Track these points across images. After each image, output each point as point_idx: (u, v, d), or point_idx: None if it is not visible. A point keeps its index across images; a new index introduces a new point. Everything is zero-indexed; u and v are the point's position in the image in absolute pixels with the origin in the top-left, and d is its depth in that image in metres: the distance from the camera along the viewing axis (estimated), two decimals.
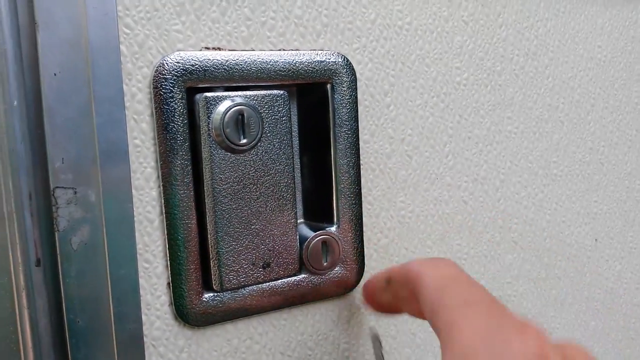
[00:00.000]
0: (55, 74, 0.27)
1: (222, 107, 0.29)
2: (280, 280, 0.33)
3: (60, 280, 0.28)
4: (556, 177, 0.44)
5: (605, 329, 0.49)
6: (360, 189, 0.35)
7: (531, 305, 0.44)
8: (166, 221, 0.30)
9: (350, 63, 0.33)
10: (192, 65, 0.29)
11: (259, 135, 0.31)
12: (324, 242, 0.34)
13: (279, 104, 0.31)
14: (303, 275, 0.33)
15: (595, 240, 0.47)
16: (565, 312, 0.46)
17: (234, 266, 0.31)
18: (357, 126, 0.34)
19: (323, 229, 0.34)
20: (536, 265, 0.44)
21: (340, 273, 0.35)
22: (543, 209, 0.43)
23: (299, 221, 0.35)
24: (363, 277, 0.36)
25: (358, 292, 0.36)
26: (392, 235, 0.37)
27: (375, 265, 0.36)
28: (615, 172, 0.47)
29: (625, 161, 0.48)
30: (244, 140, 0.30)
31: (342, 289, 0.35)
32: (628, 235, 0.49)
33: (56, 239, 0.27)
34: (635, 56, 0.47)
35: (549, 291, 0.45)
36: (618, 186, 0.48)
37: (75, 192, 0.28)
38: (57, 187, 0.27)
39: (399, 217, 0.37)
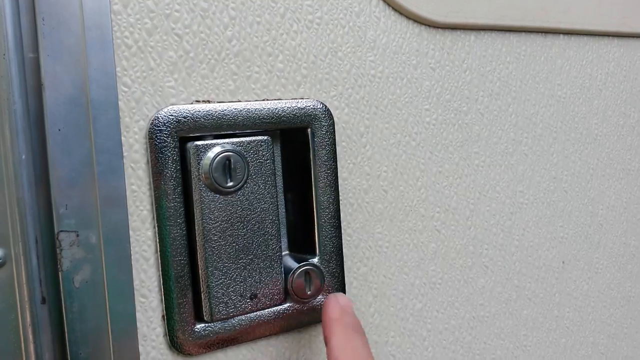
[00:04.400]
0: (59, 129, 0.29)
1: (210, 153, 0.32)
2: (267, 310, 0.35)
3: (64, 316, 0.30)
4: (522, 205, 0.47)
5: (576, 346, 0.52)
6: (340, 223, 0.38)
7: (503, 325, 0.47)
8: (160, 259, 0.32)
9: (328, 109, 0.36)
10: (184, 117, 0.32)
11: (244, 178, 0.34)
12: (307, 273, 0.36)
13: (263, 149, 0.34)
14: (288, 304, 0.36)
15: (563, 262, 0.50)
16: (536, 331, 0.49)
17: (223, 298, 0.34)
18: (336, 165, 0.37)
19: (306, 260, 0.37)
20: (507, 287, 0.47)
21: (322, 301, 0.37)
22: (512, 235, 0.47)
23: (284, 253, 0.38)
24: None
25: None
26: (370, 264, 0.40)
27: (355, 292, 0.39)
28: (579, 199, 0.51)
29: (588, 188, 0.51)
30: (231, 183, 0.33)
31: None
32: (594, 257, 0.53)
33: (60, 278, 0.30)
34: (593, 92, 0.50)
35: (520, 311, 0.48)
36: (582, 212, 0.51)
37: (78, 235, 0.30)
38: (61, 231, 0.30)
39: (377, 247, 0.40)
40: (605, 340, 0.54)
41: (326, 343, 0.32)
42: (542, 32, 0.46)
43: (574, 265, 0.51)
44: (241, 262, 0.34)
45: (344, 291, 0.38)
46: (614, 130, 0.53)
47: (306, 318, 0.37)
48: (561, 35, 0.48)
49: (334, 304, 0.34)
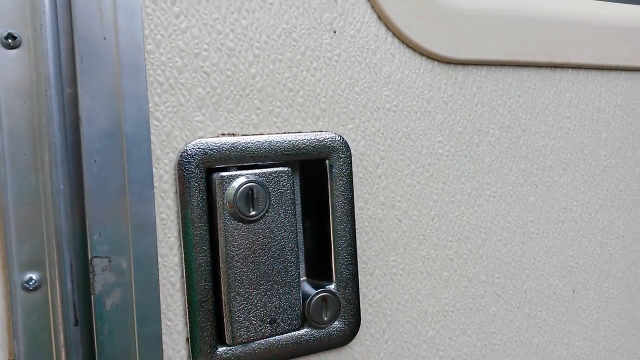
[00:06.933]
0: (95, 161, 0.31)
1: (235, 183, 0.34)
2: (285, 335, 0.37)
3: (95, 338, 0.32)
4: (533, 235, 0.48)
5: None
6: (355, 250, 0.39)
7: (514, 354, 0.48)
8: (186, 284, 0.34)
9: (345, 141, 0.38)
10: (211, 150, 0.34)
11: (266, 207, 0.35)
12: (324, 299, 0.38)
13: (284, 179, 0.36)
14: (306, 329, 0.38)
15: (573, 291, 0.51)
16: (547, 359, 0.50)
17: (244, 323, 0.35)
18: (352, 195, 0.39)
19: (323, 286, 0.38)
20: (518, 315, 0.48)
21: (339, 326, 0.39)
22: (522, 264, 0.48)
23: (301, 279, 0.40)
24: (360, 329, 0.40)
25: (355, 344, 0.40)
26: (385, 291, 0.41)
27: (370, 319, 0.41)
28: (589, 229, 0.52)
29: (598, 218, 0.53)
30: (253, 212, 0.35)
31: (341, 340, 0.39)
32: (604, 286, 0.53)
33: (92, 301, 0.32)
34: (602, 124, 0.52)
35: (530, 339, 0.49)
36: (592, 242, 0.52)
37: (110, 261, 0.32)
38: (94, 256, 0.32)
39: (391, 274, 0.41)
40: None
41: None
42: (551, 66, 0.48)
43: (584, 294, 0.52)
44: (262, 288, 0.36)
45: (359, 317, 0.40)
46: (623, 162, 0.54)
47: (323, 343, 0.38)
48: (570, 70, 0.49)
49: None
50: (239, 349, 0.35)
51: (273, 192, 0.36)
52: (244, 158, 0.35)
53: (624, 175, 0.54)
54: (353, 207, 0.39)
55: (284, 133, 0.37)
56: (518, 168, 0.47)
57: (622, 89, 0.53)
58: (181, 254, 0.34)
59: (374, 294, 0.41)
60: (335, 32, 0.38)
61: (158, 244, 0.33)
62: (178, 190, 0.33)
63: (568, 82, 0.49)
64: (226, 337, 0.35)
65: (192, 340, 0.34)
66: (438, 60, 0.42)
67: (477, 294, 0.45)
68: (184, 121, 0.34)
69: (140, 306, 0.33)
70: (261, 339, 0.36)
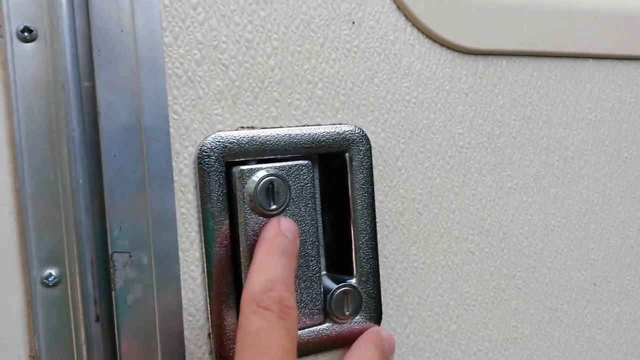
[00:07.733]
0: (114, 155, 0.31)
1: (255, 177, 0.34)
2: (307, 330, 0.36)
3: (116, 334, 0.32)
4: (554, 228, 0.47)
5: None
6: (376, 244, 0.39)
7: (536, 347, 0.47)
8: (207, 279, 0.33)
9: (365, 134, 0.38)
10: (230, 143, 0.33)
11: (286, 201, 0.35)
12: (345, 293, 0.37)
13: (304, 173, 0.35)
14: (327, 325, 0.37)
15: (594, 284, 0.51)
16: (568, 352, 0.49)
17: None
18: (373, 188, 0.38)
19: (344, 280, 0.38)
20: (540, 309, 0.47)
21: (360, 321, 0.38)
22: (544, 257, 0.47)
23: (322, 273, 0.39)
24: (381, 324, 0.39)
25: None
26: (406, 285, 0.41)
27: (391, 313, 0.40)
28: (610, 221, 0.51)
29: (619, 211, 0.52)
30: (274, 206, 0.34)
31: None
32: (625, 279, 0.53)
33: (113, 297, 0.31)
34: (623, 115, 0.51)
35: (552, 333, 0.48)
36: (613, 234, 0.51)
37: (130, 256, 0.32)
38: (115, 252, 0.31)
39: (412, 268, 0.41)
40: None
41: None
42: (571, 56, 0.47)
43: (606, 287, 0.51)
44: None
45: (380, 312, 0.39)
46: None
47: (344, 338, 0.38)
48: (590, 60, 0.48)
49: (272, 226, 0.32)
50: None
51: (293, 185, 0.35)
52: (263, 151, 0.35)
53: None
54: (373, 200, 0.38)
55: (304, 126, 0.36)
56: (539, 160, 0.46)
57: None
58: (202, 248, 0.33)
59: (395, 288, 0.40)
60: (354, 22, 0.37)
61: (179, 238, 0.33)
62: (198, 185, 0.33)
63: (589, 72, 0.49)
64: None
65: (214, 336, 0.34)
66: (458, 51, 0.41)
67: (499, 287, 0.45)
68: (203, 114, 0.33)
69: (161, 302, 0.32)
70: None
